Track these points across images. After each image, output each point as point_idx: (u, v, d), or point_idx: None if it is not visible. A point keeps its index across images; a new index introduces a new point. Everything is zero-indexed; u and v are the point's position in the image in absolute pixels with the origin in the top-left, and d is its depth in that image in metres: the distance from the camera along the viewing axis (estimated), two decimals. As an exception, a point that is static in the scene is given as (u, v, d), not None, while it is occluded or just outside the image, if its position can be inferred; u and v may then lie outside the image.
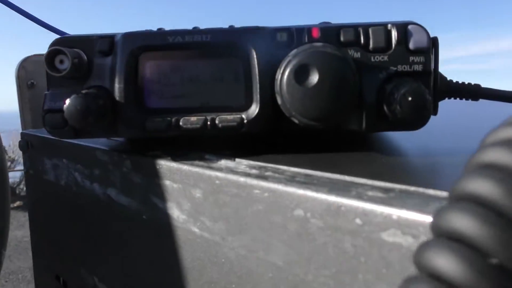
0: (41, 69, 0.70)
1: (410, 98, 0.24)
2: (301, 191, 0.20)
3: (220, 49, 0.27)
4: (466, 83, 0.34)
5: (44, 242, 0.46)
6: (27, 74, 0.69)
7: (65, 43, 0.29)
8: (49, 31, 0.61)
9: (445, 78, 0.34)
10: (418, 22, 0.28)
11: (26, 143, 0.45)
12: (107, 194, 0.33)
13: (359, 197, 0.19)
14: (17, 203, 3.03)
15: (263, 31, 0.27)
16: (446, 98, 0.34)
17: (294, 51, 0.26)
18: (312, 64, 0.24)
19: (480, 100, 0.34)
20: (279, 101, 0.25)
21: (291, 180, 0.22)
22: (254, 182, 0.22)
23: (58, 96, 0.28)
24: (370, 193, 0.19)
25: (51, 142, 0.40)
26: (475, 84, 0.34)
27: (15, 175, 3.35)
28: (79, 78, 0.28)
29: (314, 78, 0.24)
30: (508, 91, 0.32)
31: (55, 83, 0.29)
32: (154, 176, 0.28)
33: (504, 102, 0.33)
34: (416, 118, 0.25)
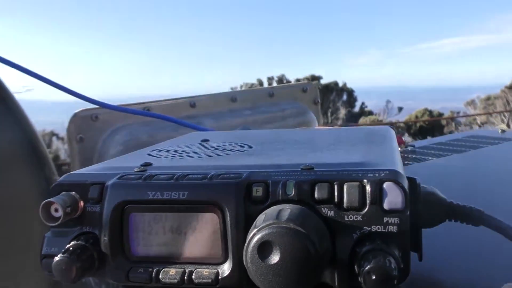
0: (89, 123, 0.74)
1: (374, 277, 0.24)
2: None
3: (197, 205, 0.28)
4: (468, 206, 0.33)
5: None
6: (76, 129, 0.74)
7: (62, 186, 0.31)
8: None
9: (445, 200, 0.33)
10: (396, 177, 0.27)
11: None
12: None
13: None
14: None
15: (238, 186, 0.28)
16: (447, 220, 0.33)
17: (261, 219, 0.26)
18: (274, 241, 0.24)
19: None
20: (247, 270, 0.26)
21: None
22: None
23: (56, 240, 0.31)
24: None
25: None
26: (476, 210, 0.33)
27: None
28: (74, 221, 0.30)
29: (276, 256, 0.24)
30: (511, 228, 0.31)
31: (53, 226, 0.31)
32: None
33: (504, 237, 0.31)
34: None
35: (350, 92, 14.48)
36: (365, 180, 0.27)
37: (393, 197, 0.26)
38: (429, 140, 0.79)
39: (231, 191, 0.28)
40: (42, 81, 0.65)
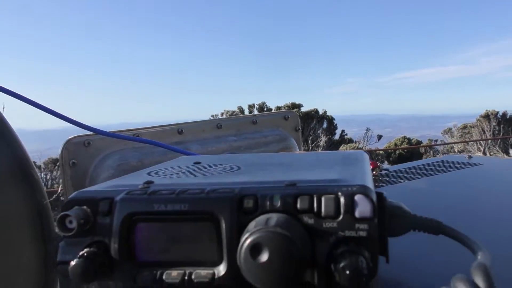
0: (82, 149, 0.77)
1: (347, 273, 0.29)
2: None
3: (196, 215, 0.33)
4: (429, 218, 0.38)
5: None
6: (69, 155, 0.78)
7: (76, 201, 0.35)
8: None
9: (409, 212, 0.38)
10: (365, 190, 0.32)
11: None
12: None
13: None
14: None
15: (232, 199, 0.33)
16: (411, 230, 0.38)
17: (252, 225, 0.31)
18: (264, 243, 0.29)
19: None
20: (240, 269, 0.30)
21: None
22: None
23: (69, 249, 0.34)
24: None
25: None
26: (435, 221, 0.38)
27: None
28: (85, 232, 0.35)
29: (265, 255, 0.29)
30: (465, 236, 0.36)
31: (67, 236, 0.35)
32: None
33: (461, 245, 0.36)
34: (355, 286, 0.29)
35: (330, 120, 14.64)
36: (339, 193, 0.32)
37: (363, 207, 0.31)
38: (402, 165, 0.85)
39: (226, 203, 0.33)
40: (39, 108, 0.69)
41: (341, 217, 0.31)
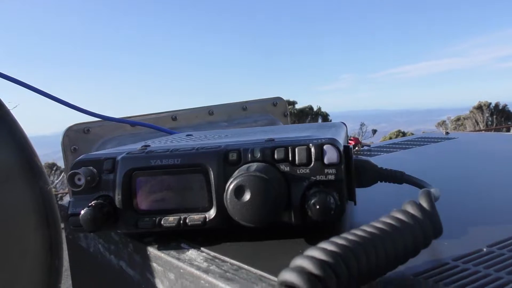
0: (82, 136, 0.82)
1: (317, 207, 0.34)
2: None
3: (188, 168, 0.38)
4: (393, 170, 0.43)
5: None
6: (70, 141, 0.83)
7: (82, 163, 0.40)
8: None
9: (376, 166, 0.43)
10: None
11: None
12: (120, 265, 0.44)
13: None
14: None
15: (218, 153, 0.38)
16: (378, 182, 0.43)
17: (236, 172, 0.36)
18: (246, 185, 0.34)
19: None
20: (227, 209, 0.35)
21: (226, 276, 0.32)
22: (202, 275, 0.33)
23: (78, 203, 0.40)
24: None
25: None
26: (399, 172, 0.43)
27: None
28: (92, 188, 0.40)
29: (247, 195, 0.34)
30: (423, 182, 0.41)
31: (76, 192, 0.40)
32: (147, 259, 0.39)
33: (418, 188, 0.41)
34: (325, 220, 0.34)
35: (325, 116, 14.71)
36: (310, 144, 0.37)
37: (330, 155, 0.36)
38: (384, 142, 0.90)
39: (213, 156, 0.38)
40: (41, 94, 0.74)
41: (312, 164, 0.36)
